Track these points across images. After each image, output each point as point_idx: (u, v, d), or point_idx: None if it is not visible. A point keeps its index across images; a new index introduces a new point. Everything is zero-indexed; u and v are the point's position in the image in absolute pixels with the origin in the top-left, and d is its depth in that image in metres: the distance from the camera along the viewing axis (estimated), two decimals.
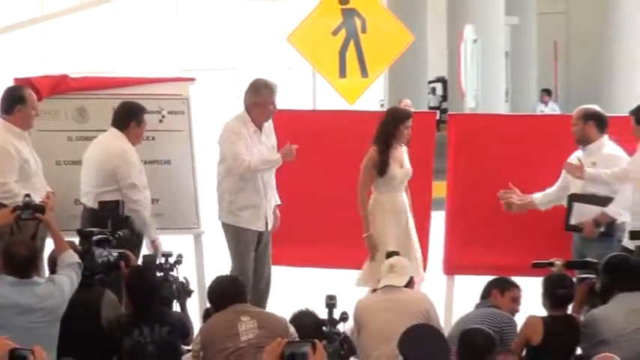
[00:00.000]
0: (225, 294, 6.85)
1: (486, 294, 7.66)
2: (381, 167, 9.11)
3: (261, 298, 9.19)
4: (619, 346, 6.61)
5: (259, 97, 9.23)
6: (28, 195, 7.56)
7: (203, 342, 6.64)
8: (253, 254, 9.28)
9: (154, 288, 7.04)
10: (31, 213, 7.40)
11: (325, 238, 9.68)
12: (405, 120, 9.18)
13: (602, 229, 8.57)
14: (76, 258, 7.08)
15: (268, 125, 9.36)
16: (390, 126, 9.15)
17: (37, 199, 7.94)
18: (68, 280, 6.91)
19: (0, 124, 8.53)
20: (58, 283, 6.85)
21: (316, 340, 5.93)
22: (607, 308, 7.09)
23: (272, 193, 9.38)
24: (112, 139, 8.97)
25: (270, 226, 9.37)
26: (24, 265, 6.82)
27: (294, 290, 9.84)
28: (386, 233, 9.10)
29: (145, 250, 8.98)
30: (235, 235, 9.22)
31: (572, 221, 8.61)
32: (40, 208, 7.50)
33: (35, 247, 7.31)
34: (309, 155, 9.50)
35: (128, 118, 9.01)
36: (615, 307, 7.02)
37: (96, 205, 8.74)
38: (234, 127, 9.20)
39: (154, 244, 8.94)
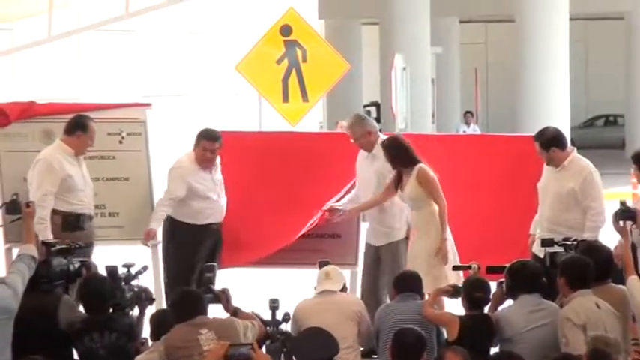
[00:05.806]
0: (188, 309, 6.55)
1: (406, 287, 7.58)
2: None
3: None
4: (517, 344, 6.62)
5: None
6: (16, 194, 7.41)
7: (168, 353, 6.40)
8: None
9: (103, 296, 6.79)
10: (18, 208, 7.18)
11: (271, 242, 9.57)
12: None
13: None
14: (32, 252, 6.80)
15: None
16: None
17: (86, 210, 8.60)
18: (19, 278, 6.58)
19: (56, 144, 8.76)
20: (11, 285, 6.49)
21: (254, 342, 5.93)
22: (509, 308, 7.10)
23: None
24: None
25: None
26: None
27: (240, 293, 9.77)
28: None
29: None
30: None
31: None
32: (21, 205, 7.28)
33: None
34: (257, 171, 9.48)
35: None
36: (516, 308, 7.02)
37: None
38: None
39: None
